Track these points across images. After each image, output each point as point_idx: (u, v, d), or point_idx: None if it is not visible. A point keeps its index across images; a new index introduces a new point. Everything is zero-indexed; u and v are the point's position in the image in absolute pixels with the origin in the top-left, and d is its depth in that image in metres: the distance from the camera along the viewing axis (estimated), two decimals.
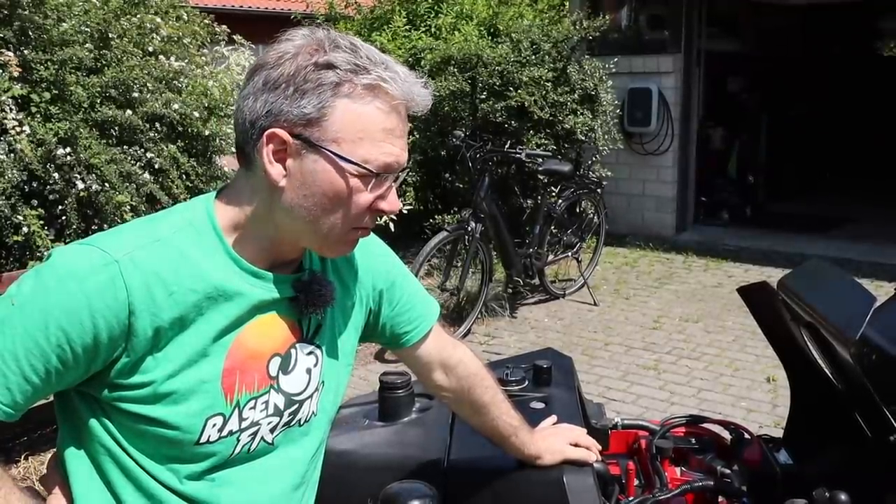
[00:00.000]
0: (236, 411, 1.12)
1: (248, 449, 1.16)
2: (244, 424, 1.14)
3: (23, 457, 3.42)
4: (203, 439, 1.10)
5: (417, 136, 6.59)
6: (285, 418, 1.19)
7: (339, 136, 1.05)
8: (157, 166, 3.69)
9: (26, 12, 3.36)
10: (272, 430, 1.18)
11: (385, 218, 4.79)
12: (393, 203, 1.13)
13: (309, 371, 1.21)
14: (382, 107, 1.07)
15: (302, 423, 1.22)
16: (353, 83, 1.05)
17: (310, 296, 1.18)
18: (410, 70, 1.12)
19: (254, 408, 1.14)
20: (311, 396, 1.22)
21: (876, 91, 9.56)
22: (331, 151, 1.06)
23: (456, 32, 6.97)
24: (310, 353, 1.21)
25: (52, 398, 1.13)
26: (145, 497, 1.10)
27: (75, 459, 1.12)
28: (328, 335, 1.24)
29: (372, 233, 1.38)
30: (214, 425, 1.10)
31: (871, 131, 9.64)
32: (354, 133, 1.06)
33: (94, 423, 1.09)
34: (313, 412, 1.24)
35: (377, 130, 1.07)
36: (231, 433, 1.13)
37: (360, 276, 1.31)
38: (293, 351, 1.19)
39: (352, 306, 1.30)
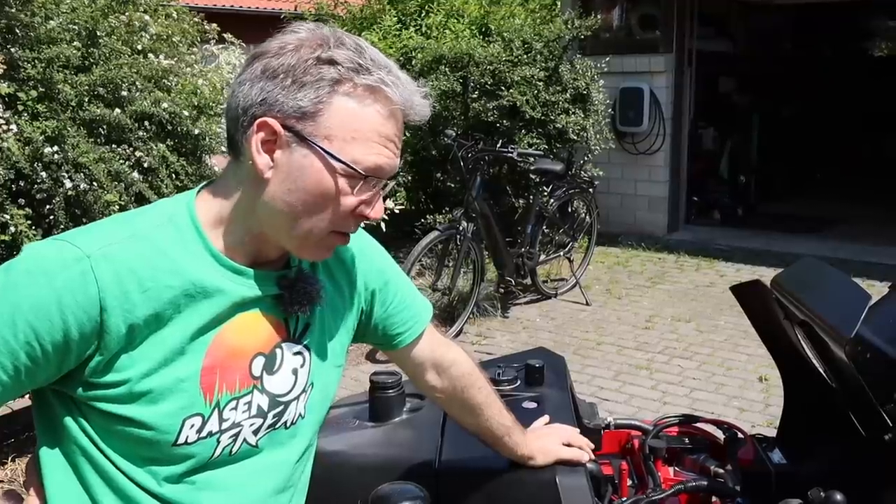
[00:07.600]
0: (216, 412, 1.09)
1: (230, 451, 1.13)
2: (224, 426, 1.11)
3: (10, 459, 3.39)
4: (181, 440, 1.07)
5: (408, 135, 6.56)
6: (270, 420, 1.16)
7: (331, 134, 1.04)
8: (146, 165, 3.65)
9: (13, 10, 3.32)
10: (255, 432, 1.15)
11: None
12: (378, 210, 1.11)
13: (295, 372, 1.18)
14: (381, 110, 1.05)
15: (288, 425, 1.19)
16: (353, 82, 1.04)
17: (295, 294, 1.15)
18: (411, 78, 1.10)
19: (235, 408, 1.11)
20: (297, 398, 1.19)
21: (866, 91, 9.60)
22: (321, 148, 1.04)
23: (446, 31, 6.95)
24: (297, 353, 1.19)
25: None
26: (122, 500, 1.07)
27: (51, 460, 1.09)
28: (317, 335, 1.21)
29: (365, 232, 1.36)
30: (192, 426, 1.08)
31: (861, 131, 9.68)
32: (348, 132, 1.04)
33: (69, 422, 1.06)
34: (300, 414, 1.21)
35: (371, 132, 1.05)
36: (210, 434, 1.10)
37: (352, 276, 1.28)
38: (278, 350, 1.16)
39: (343, 306, 1.27)
